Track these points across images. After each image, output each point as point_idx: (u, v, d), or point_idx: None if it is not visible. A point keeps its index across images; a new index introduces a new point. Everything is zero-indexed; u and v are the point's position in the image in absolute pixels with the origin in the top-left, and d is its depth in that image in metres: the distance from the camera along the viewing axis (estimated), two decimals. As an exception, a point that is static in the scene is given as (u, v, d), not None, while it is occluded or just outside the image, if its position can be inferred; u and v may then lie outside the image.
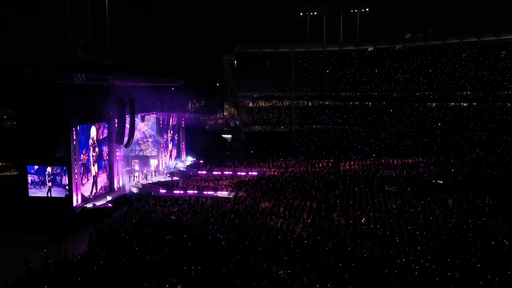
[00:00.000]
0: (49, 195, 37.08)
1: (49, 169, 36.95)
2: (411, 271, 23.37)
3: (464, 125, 73.03)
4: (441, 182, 46.03)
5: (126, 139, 43.41)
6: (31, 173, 37.02)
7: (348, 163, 57.61)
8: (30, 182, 36.99)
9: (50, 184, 37.04)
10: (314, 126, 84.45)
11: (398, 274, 23.03)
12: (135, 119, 45.16)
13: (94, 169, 40.52)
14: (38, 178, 37.03)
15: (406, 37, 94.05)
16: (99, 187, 41.34)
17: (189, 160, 61.50)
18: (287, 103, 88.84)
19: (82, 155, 38.37)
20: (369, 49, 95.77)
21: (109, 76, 41.92)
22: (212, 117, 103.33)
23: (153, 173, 50.66)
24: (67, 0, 43.62)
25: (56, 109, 35.74)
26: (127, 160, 50.28)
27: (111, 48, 49.17)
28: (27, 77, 34.22)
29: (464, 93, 79.26)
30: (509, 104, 74.07)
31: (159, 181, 48.03)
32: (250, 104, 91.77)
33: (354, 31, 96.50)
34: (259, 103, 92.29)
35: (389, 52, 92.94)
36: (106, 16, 49.54)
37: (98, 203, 38.74)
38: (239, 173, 51.27)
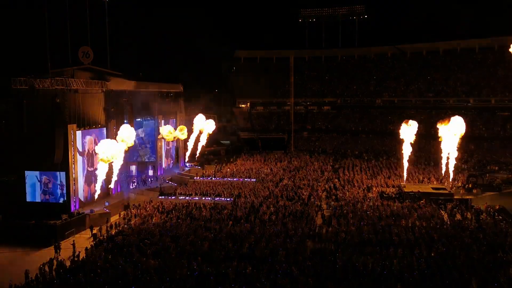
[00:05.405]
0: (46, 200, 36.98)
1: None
2: (410, 277, 23.29)
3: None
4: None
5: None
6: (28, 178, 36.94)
7: (347, 169, 57.49)
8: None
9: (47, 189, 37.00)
10: (313, 132, 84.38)
11: (397, 279, 22.96)
12: (133, 124, 45.08)
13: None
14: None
15: (405, 43, 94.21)
16: (97, 192, 41.15)
17: (187, 165, 61.35)
18: (286, 109, 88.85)
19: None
20: (368, 55, 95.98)
21: (108, 81, 42.01)
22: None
23: (151, 179, 50.52)
24: (67, 5, 43.65)
25: (54, 114, 35.68)
26: (125, 165, 50.08)
27: (110, 54, 48.98)
28: (26, 82, 34.28)
29: (462, 99, 79.35)
30: (507, 111, 74.11)
31: (157, 187, 47.91)
32: (249, 110, 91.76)
33: (353, 37, 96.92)
34: (257, 109, 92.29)
35: (387, 58, 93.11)
36: (105, 21, 49.51)
37: (96, 209, 38.57)
38: (237, 179, 51.17)
